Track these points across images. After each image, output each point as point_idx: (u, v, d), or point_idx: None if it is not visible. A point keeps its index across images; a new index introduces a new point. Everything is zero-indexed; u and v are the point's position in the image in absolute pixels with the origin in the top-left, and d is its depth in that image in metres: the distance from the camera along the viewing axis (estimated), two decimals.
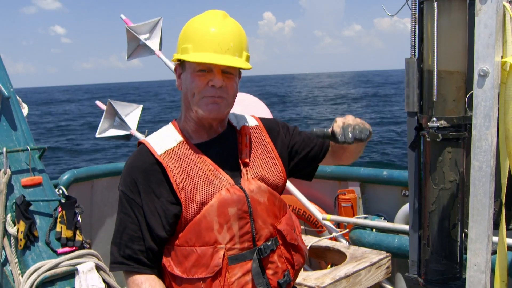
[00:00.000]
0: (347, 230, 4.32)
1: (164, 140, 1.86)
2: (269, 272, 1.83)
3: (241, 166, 1.87)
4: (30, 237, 3.06)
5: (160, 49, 4.60)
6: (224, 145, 1.90)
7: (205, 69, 1.76)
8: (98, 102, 5.02)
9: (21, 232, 3.01)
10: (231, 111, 1.97)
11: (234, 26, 1.82)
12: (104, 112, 4.60)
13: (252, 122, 2.03)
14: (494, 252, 1.73)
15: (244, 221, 1.78)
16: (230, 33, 1.79)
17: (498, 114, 1.60)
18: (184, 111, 1.90)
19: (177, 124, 1.92)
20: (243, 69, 1.83)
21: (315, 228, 4.71)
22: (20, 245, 3.02)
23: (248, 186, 1.81)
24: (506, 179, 1.68)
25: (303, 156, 2.07)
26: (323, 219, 4.45)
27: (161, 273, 1.84)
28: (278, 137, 2.03)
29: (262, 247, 1.81)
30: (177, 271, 1.76)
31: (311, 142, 2.08)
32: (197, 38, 1.77)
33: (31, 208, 3.13)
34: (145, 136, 4.47)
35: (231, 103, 1.86)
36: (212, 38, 1.75)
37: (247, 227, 1.78)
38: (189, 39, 1.79)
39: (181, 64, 1.85)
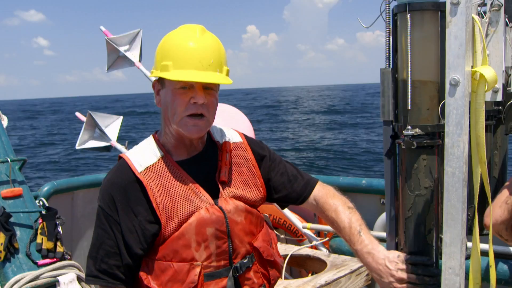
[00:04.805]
0: (327, 238, 4.37)
1: (145, 156, 1.83)
2: None
3: (219, 185, 1.86)
4: (11, 249, 3.04)
5: (140, 61, 4.60)
6: (205, 163, 1.88)
7: (186, 86, 1.74)
8: (78, 114, 4.99)
9: (1, 244, 3.00)
10: (216, 125, 1.97)
11: (213, 40, 1.79)
12: (84, 123, 4.59)
13: (236, 138, 2.00)
14: (468, 257, 1.78)
15: (221, 241, 1.78)
16: (210, 48, 1.76)
17: (469, 121, 1.65)
18: (163, 126, 1.87)
19: (158, 138, 1.90)
20: (225, 84, 1.79)
21: (296, 237, 4.74)
22: (0, 257, 3.00)
23: (225, 206, 1.81)
24: (479, 185, 1.73)
25: (278, 197, 2.06)
26: (303, 227, 4.49)
27: (136, 285, 1.82)
28: (262, 161, 2.01)
29: (238, 265, 1.82)
30: (153, 284, 1.75)
31: (290, 186, 2.06)
32: (177, 55, 1.73)
33: (12, 219, 3.12)
34: (126, 147, 4.48)
35: (212, 121, 1.84)
36: (193, 55, 1.72)
37: (225, 247, 1.79)
38: (168, 56, 1.75)
39: (160, 81, 1.82)
